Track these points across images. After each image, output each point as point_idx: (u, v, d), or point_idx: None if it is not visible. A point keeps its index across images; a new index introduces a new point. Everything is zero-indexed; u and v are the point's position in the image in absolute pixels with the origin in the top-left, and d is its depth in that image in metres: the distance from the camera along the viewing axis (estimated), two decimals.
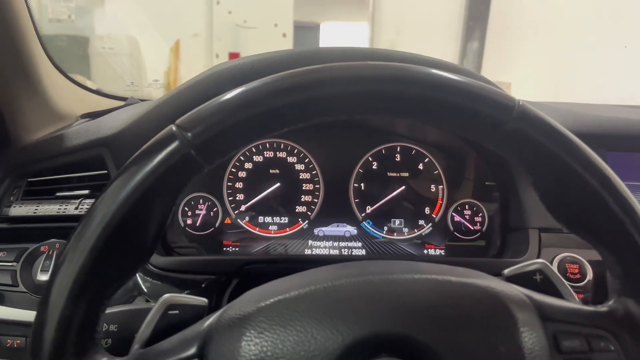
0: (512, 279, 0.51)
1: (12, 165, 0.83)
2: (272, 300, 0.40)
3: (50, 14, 3.93)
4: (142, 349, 0.46)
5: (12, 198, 0.80)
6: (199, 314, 0.49)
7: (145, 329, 0.49)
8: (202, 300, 0.52)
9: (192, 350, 0.40)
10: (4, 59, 0.84)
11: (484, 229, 0.90)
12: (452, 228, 0.90)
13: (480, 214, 0.90)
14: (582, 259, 0.77)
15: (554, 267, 0.76)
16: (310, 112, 0.41)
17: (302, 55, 0.75)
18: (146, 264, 0.74)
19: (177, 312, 0.50)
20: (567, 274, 0.75)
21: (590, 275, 0.75)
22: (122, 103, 1.05)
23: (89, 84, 1.19)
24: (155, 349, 0.42)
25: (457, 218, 0.90)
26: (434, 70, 0.41)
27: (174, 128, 0.39)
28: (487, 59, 4.63)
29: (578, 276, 0.75)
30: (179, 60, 4.35)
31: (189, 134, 0.39)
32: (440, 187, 0.90)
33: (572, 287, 0.73)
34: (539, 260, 0.53)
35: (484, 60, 4.63)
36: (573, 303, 0.45)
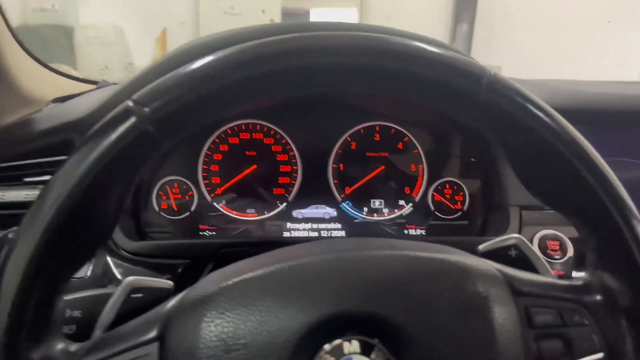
0: (487, 254, 0.50)
1: None
2: (235, 279, 0.39)
3: (33, 4, 3.88)
4: (104, 333, 0.44)
5: None
6: (164, 297, 0.47)
7: (107, 314, 0.47)
8: (167, 283, 0.50)
9: (152, 334, 0.38)
10: None
11: (465, 207, 0.89)
12: (432, 208, 0.89)
13: (462, 193, 0.88)
14: (563, 236, 0.76)
15: (535, 244, 0.75)
16: (275, 85, 0.38)
17: (281, 29, 0.73)
18: (105, 245, 0.72)
19: (141, 295, 0.48)
20: (548, 251, 0.74)
21: (570, 251, 0.74)
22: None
23: (74, 73, 1.16)
24: (115, 333, 0.41)
25: (437, 197, 0.89)
26: (399, 40, 0.39)
27: (130, 103, 0.37)
28: (476, 43, 4.63)
29: (559, 253, 0.74)
30: (165, 50, 4.31)
31: (146, 109, 0.36)
32: (420, 166, 0.88)
33: (553, 263, 0.73)
34: (514, 235, 0.52)
35: (473, 44, 4.63)
36: (547, 277, 0.44)
